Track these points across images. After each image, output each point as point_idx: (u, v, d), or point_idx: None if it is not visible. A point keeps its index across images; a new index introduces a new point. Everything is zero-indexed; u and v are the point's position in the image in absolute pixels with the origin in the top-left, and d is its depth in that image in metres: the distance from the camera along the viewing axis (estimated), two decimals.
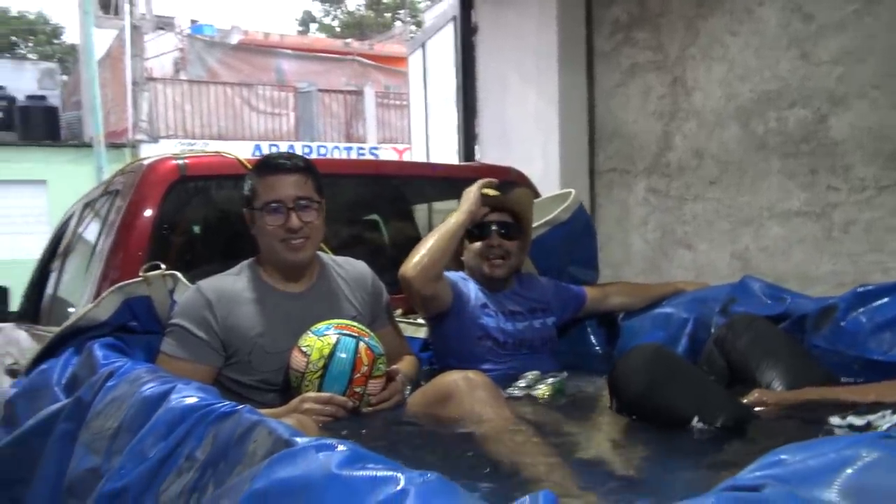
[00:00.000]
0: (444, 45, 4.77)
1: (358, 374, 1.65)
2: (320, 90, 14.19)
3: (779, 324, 2.03)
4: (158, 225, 2.20)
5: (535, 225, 2.33)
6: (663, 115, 3.48)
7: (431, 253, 1.95)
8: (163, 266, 1.87)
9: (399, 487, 0.77)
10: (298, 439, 0.93)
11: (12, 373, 2.65)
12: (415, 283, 1.93)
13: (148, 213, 2.19)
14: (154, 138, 11.87)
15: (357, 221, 2.89)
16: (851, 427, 1.44)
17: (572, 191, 2.59)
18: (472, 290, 2.13)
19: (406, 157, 14.05)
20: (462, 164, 3.91)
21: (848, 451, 0.75)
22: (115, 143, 11.96)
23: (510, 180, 2.65)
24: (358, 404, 1.66)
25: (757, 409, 1.61)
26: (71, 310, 2.49)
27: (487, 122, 4.39)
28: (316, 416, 1.57)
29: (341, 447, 0.87)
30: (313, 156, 13.46)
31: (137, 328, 1.87)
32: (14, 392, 1.80)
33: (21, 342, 2.98)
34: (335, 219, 2.13)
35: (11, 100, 13.94)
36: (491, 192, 2.10)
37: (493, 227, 2.14)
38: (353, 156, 13.60)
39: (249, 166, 2.09)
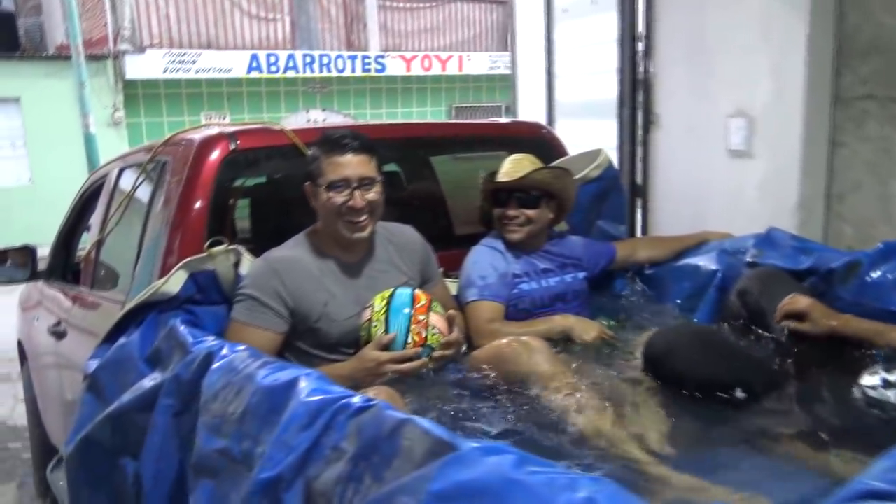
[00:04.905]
0: None
1: (419, 305, 1.85)
2: None
3: (806, 277, 2.14)
4: (215, 200, 2.24)
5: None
6: None
7: (503, 337, 1.98)
8: (226, 242, 2.02)
9: (581, 495, 0.86)
10: (460, 443, 1.03)
11: (58, 335, 2.85)
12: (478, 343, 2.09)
13: (204, 189, 2.23)
14: (139, 48, 10.47)
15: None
16: (887, 384, 1.60)
17: (602, 148, 2.74)
18: (503, 264, 2.29)
19: (467, 64, 12.79)
20: (490, 121, 3.72)
21: None
22: (95, 55, 10.53)
23: (537, 136, 2.92)
24: (429, 350, 1.83)
25: (794, 324, 1.84)
26: (119, 275, 2.64)
27: (670, 22, 3.34)
28: (394, 372, 1.77)
29: (507, 452, 0.98)
30: (315, 65, 12.21)
31: (202, 300, 2.00)
32: (96, 365, 1.93)
33: (61, 301, 2.99)
34: None
35: None
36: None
37: (513, 197, 2.29)
38: (358, 64, 12.44)
39: (297, 139, 2.32)
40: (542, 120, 4.24)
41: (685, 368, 1.68)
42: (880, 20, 2.79)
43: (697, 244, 2.52)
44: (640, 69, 3.44)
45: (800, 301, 1.87)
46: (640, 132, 3.50)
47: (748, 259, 2.29)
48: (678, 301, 2.47)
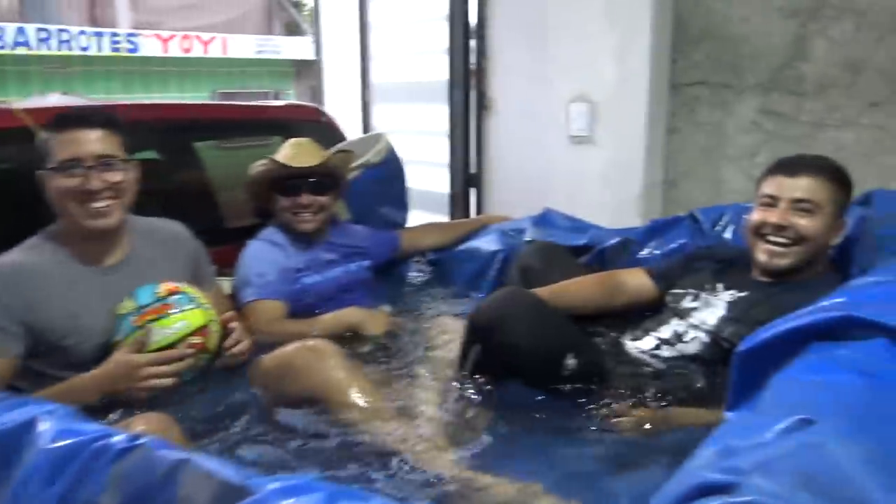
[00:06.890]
0: None
1: (163, 285, 1.69)
2: None
3: (582, 254, 2.29)
4: None
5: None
6: (798, 13, 2.65)
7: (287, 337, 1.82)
8: None
9: None
10: (255, 484, 0.87)
11: None
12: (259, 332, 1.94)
13: None
14: None
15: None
16: (663, 342, 1.78)
17: (383, 133, 2.75)
18: (283, 258, 2.17)
19: (231, 47, 11.71)
20: (262, 104, 3.49)
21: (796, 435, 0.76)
22: None
23: (315, 121, 2.85)
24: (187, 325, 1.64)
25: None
26: None
27: (506, 1, 3.17)
28: (156, 382, 1.57)
29: (315, 489, 0.84)
30: (53, 42, 10.69)
31: None
32: None
33: None
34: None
35: None
36: None
37: (304, 185, 2.19)
38: (105, 42, 11.07)
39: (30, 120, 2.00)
40: (356, 105, 3.89)
41: (520, 338, 1.61)
42: (711, 6, 2.84)
43: (480, 228, 2.61)
44: (473, 50, 3.24)
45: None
46: (473, 117, 3.30)
47: (527, 238, 2.40)
48: (462, 283, 2.54)
